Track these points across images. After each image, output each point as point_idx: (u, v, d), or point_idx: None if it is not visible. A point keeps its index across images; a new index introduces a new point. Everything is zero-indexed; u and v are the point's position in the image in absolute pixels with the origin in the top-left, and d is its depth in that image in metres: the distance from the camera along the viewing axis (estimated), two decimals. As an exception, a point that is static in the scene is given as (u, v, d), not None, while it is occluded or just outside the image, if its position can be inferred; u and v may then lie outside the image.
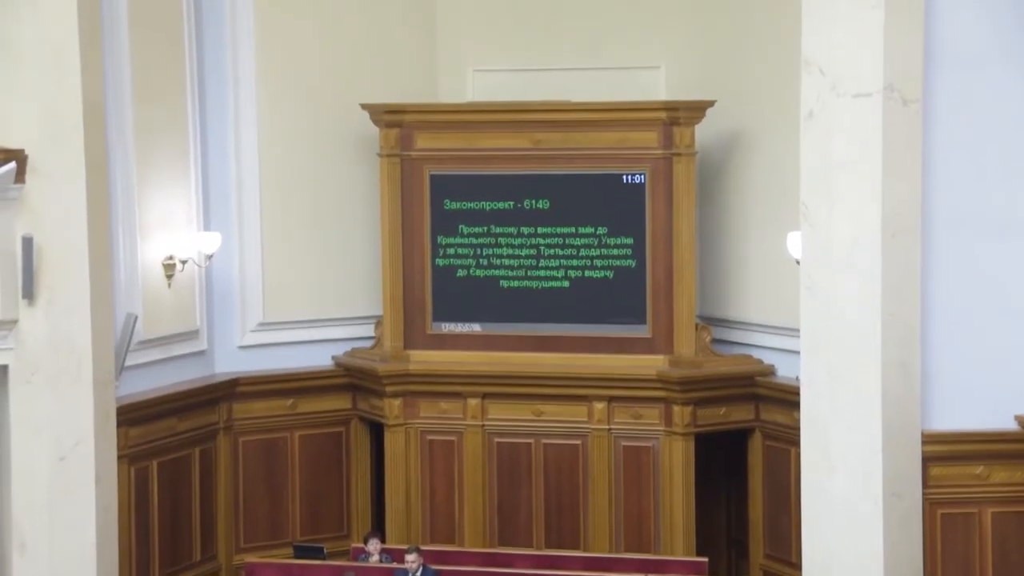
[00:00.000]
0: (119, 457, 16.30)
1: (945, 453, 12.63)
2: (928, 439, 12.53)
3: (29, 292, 15.11)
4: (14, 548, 15.46)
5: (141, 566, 17.10)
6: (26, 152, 14.99)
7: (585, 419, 18.00)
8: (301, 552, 17.93)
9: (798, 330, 13.21)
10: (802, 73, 12.62)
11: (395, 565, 16.71)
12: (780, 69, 14.49)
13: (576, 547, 17.78)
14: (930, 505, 12.63)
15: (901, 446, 12.40)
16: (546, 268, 18.24)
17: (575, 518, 18.10)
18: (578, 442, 18.04)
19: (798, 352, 13.22)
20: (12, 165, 14.83)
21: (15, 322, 15.17)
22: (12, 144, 14.95)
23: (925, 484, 12.57)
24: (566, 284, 18.15)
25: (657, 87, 18.27)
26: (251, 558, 17.84)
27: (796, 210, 13.20)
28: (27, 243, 15.03)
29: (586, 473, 18.03)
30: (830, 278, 12.51)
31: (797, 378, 13.36)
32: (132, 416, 16.72)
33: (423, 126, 18.39)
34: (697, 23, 18.25)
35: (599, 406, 17.88)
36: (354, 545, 18.14)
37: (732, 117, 17.56)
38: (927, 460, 12.56)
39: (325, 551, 17.95)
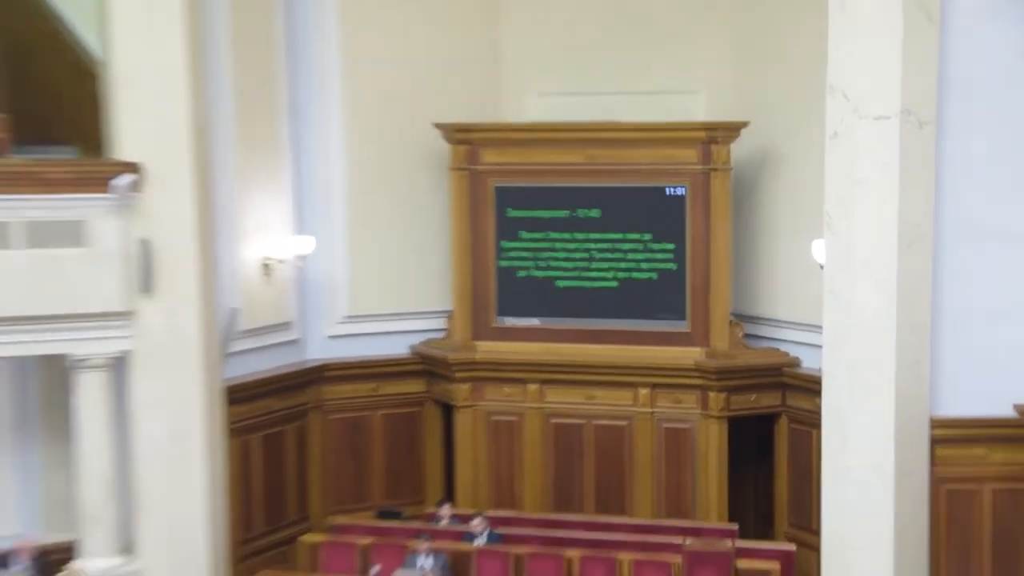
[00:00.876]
0: (232, 434, 16.70)
1: (951, 437, 12.67)
2: (936, 424, 12.57)
3: (147, 287, 15.26)
4: (141, 511, 15.74)
5: (246, 525, 17.36)
6: (143, 165, 15.17)
7: (631, 403, 18.05)
8: (383, 515, 18.18)
9: (820, 327, 13.21)
10: (827, 98, 12.63)
11: (463, 528, 16.87)
12: (807, 94, 14.40)
13: (622, 514, 17.81)
14: (936, 482, 12.68)
15: (911, 431, 12.46)
16: (597, 270, 18.28)
17: (621, 489, 18.15)
18: (624, 423, 18.08)
19: (820, 346, 13.26)
20: (132, 177, 15.02)
21: (135, 314, 15.33)
22: (131, 158, 15.18)
23: (932, 464, 12.63)
24: (615, 284, 18.18)
25: (697, 109, 18.28)
26: (340, 519, 17.96)
27: (821, 220, 13.19)
28: (145, 245, 15.18)
29: (631, 450, 18.08)
30: (850, 282, 12.52)
31: (819, 370, 13.37)
32: (236, 396, 16.88)
33: (489, 143, 18.45)
34: (733, 53, 18.26)
35: (643, 392, 17.95)
36: (428, 510, 18.31)
37: (764, 136, 17.55)
38: (935, 443, 12.61)
39: (403, 514, 18.21)
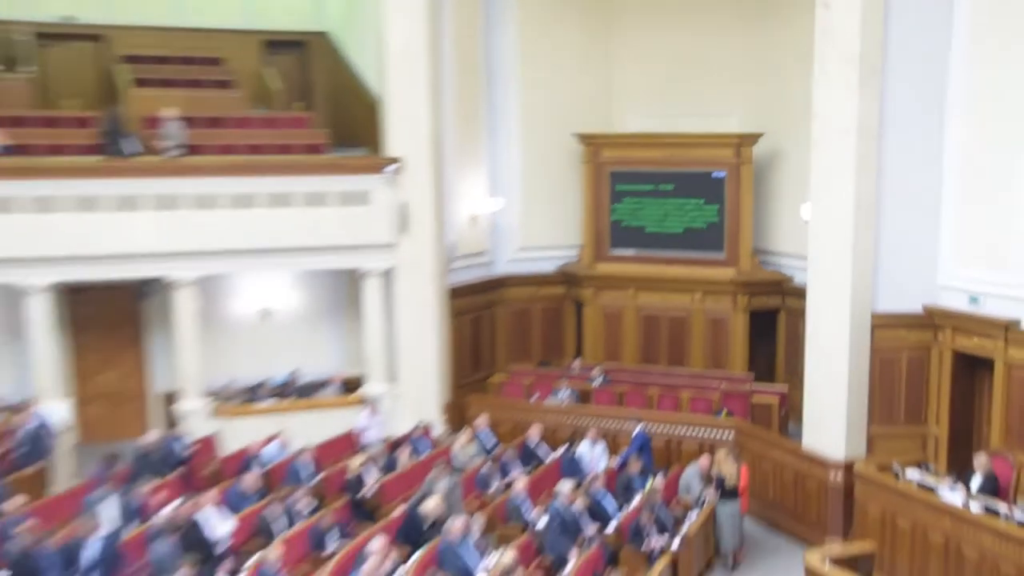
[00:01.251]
0: (453, 314, 17.19)
1: (883, 323, 12.88)
2: (875, 316, 12.84)
3: (403, 229, 16.00)
4: (400, 358, 16.42)
5: (459, 370, 17.51)
6: (402, 158, 15.88)
7: (689, 303, 18.09)
8: (540, 365, 18.60)
9: (806, 256, 13.51)
10: (813, 119, 12.90)
11: (587, 374, 17.26)
12: (800, 114, 14.19)
13: (683, 367, 17.90)
14: (874, 352, 12.92)
15: (859, 321, 12.73)
16: (670, 221, 18.31)
17: (683, 353, 18.21)
18: (685, 315, 18.13)
19: (805, 269, 13.59)
20: (396, 165, 15.81)
21: (397, 245, 16.05)
22: (395, 154, 15.88)
23: (872, 340, 12.88)
24: (680, 230, 18.21)
25: (732, 124, 18.11)
26: (514, 367, 18.38)
27: (807, 192, 13.52)
28: (402, 205, 15.92)
29: (689, 331, 18.14)
30: (823, 231, 12.81)
31: (804, 283, 13.61)
32: (455, 294, 17.31)
33: (605, 145, 18.56)
34: (754, 89, 18.10)
35: (697, 295, 18.01)
36: (566, 362, 18.64)
37: (774, 141, 17.61)
38: (874, 327, 12.85)
39: (552, 364, 18.60)
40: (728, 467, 12.56)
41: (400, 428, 15.29)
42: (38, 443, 13.62)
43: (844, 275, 12.44)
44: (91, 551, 9.92)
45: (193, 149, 15.41)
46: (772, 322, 17.88)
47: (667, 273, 18.07)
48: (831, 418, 12.75)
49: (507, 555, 10.26)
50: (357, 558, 10.36)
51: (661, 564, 10.87)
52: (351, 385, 16.62)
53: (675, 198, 18.18)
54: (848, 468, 12.41)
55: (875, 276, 12.70)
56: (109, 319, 16.41)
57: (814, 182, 12.88)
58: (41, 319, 14.66)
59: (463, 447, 14.11)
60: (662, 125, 18.19)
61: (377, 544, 10.24)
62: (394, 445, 14.37)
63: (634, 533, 11.49)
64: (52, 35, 17.56)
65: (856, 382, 12.67)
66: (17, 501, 11.20)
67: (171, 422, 15.54)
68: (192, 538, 10.51)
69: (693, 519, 12.03)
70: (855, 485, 12.13)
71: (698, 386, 16.47)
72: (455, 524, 10.82)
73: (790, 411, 15.66)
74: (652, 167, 18.28)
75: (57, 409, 14.41)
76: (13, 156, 14.48)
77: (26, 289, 14.54)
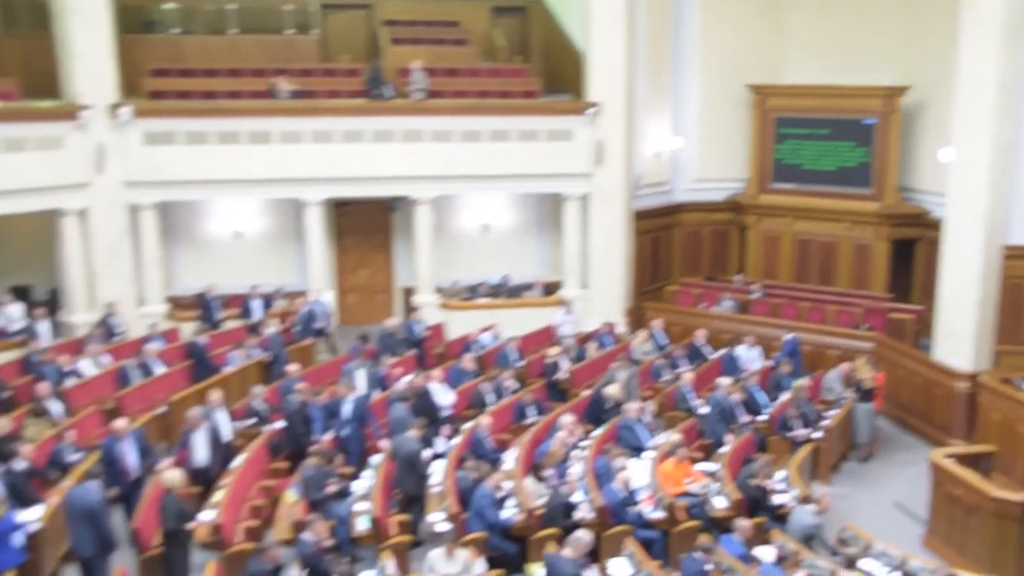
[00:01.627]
0: (636, 234, 17.46)
1: (1012, 255, 12.94)
2: (1006, 248, 12.84)
3: (599, 162, 16.42)
4: (592, 266, 16.83)
5: (639, 280, 17.80)
6: (600, 102, 16.20)
7: (839, 231, 17.90)
8: (708, 279, 18.78)
9: (944, 193, 13.28)
10: (958, 72, 12.40)
11: (748, 288, 17.46)
12: (947, 70, 13.31)
13: (831, 286, 17.68)
14: (1003, 279, 12.86)
15: (991, 251, 12.55)
16: (824, 160, 18.10)
17: (831, 274, 18.00)
18: (834, 240, 17.97)
19: (943, 204, 13.27)
20: (594, 108, 16.11)
21: (593, 175, 16.48)
22: (594, 99, 16.15)
23: (1002, 269, 12.80)
24: (833, 168, 18.03)
25: (883, 77, 17.40)
26: (685, 279, 18.55)
27: (948, 138, 13.26)
28: (599, 142, 16.29)
29: (837, 255, 17.95)
30: (964, 171, 12.54)
31: (942, 216, 13.30)
32: (639, 216, 17.63)
33: (772, 95, 18.36)
34: (903, 47, 17.32)
35: (846, 225, 17.82)
36: (729, 277, 18.64)
37: (920, 93, 17.06)
38: (1004, 258, 12.82)
39: (716, 279, 18.61)
40: (866, 372, 12.57)
41: (589, 326, 15.83)
42: (310, 323, 15.12)
43: (980, 211, 12.26)
44: (347, 408, 10.72)
45: (434, 94, 16.36)
46: (910, 250, 17.53)
47: (820, 205, 17.88)
48: (961, 335, 12.57)
49: (674, 435, 10.91)
50: (550, 429, 11.15)
51: (804, 451, 11.10)
52: (551, 289, 17.28)
53: (830, 141, 17.95)
54: (973, 379, 12.31)
55: (1008, 213, 12.67)
56: (365, 228, 17.55)
57: (957, 129, 12.54)
58: (316, 226, 16.18)
59: (641, 344, 14.79)
60: (822, 77, 17.82)
61: (567, 420, 11.14)
62: (584, 339, 15.10)
63: (782, 424, 11.75)
64: (333, 5, 18.65)
65: (985, 304, 12.50)
66: (294, 367, 12.57)
67: (409, 311, 16.70)
68: (423, 404, 11.21)
69: (833, 415, 12.11)
70: (979, 394, 12.06)
71: (843, 303, 16.49)
72: (631, 407, 11.50)
73: (923, 328, 15.25)
74: (811, 114, 18.18)
75: (325, 298, 15.85)
76: (301, 99, 15.94)
77: (307, 203, 16.03)
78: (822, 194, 17.98)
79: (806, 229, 18.14)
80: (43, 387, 11.23)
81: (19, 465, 9.15)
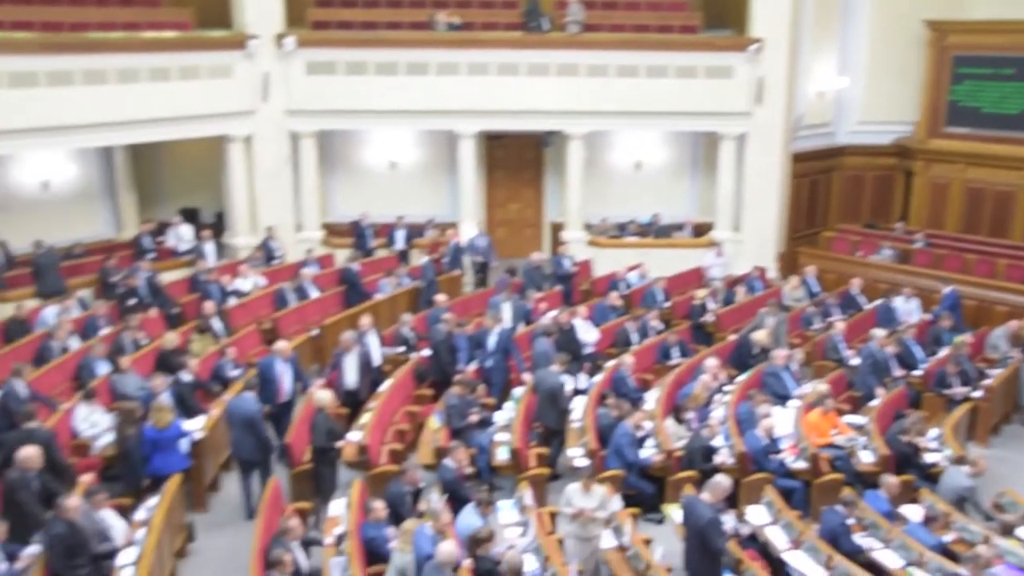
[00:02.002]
0: (793, 176, 17.13)
1: None
2: None
3: (759, 100, 16.14)
4: (744, 208, 16.69)
5: (794, 224, 17.69)
6: (763, 38, 15.89)
7: (1017, 180, 16.88)
8: (867, 225, 18.23)
9: None
10: None
11: (911, 237, 16.84)
12: None
13: (1002, 238, 16.83)
14: None
15: None
16: (1007, 103, 16.94)
17: (1006, 226, 17.05)
18: (1012, 190, 16.96)
19: None
20: (758, 44, 15.88)
21: (752, 113, 16.19)
22: (758, 35, 15.86)
23: None
24: (1016, 111, 16.86)
25: None
26: (843, 225, 18.22)
27: None
28: (760, 80, 16.04)
29: (1012, 205, 16.99)
30: None
31: None
32: (797, 158, 17.27)
33: (952, 31, 17.54)
34: None
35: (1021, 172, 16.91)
36: (891, 225, 17.96)
37: None
38: None
39: (877, 225, 18.11)
40: (1036, 331, 12.26)
41: (739, 269, 15.83)
42: (457, 256, 15.54)
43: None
44: (492, 340, 10.97)
45: (590, 27, 16.37)
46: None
47: (998, 151, 17.02)
48: None
49: (820, 385, 10.67)
50: (694, 372, 11.29)
51: (961, 410, 10.75)
52: (701, 230, 17.27)
53: (1015, 82, 17.01)
54: None
55: None
56: (516, 161, 17.92)
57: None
58: (469, 158, 16.55)
59: (792, 290, 14.60)
60: (1010, 12, 16.82)
61: (711, 363, 11.07)
62: (733, 283, 15.08)
63: (938, 380, 11.37)
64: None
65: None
66: (441, 298, 12.92)
67: (556, 246, 16.87)
68: (566, 340, 11.35)
69: (997, 374, 11.63)
70: None
71: (1016, 256, 15.84)
72: (779, 354, 11.34)
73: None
74: (995, 52, 17.21)
75: (472, 231, 16.17)
76: (458, 31, 16.17)
77: (460, 135, 16.37)
78: (1002, 139, 17.07)
79: (979, 177, 17.35)
80: (208, 305, 12.01)
81: (186, 377, 9.84)
